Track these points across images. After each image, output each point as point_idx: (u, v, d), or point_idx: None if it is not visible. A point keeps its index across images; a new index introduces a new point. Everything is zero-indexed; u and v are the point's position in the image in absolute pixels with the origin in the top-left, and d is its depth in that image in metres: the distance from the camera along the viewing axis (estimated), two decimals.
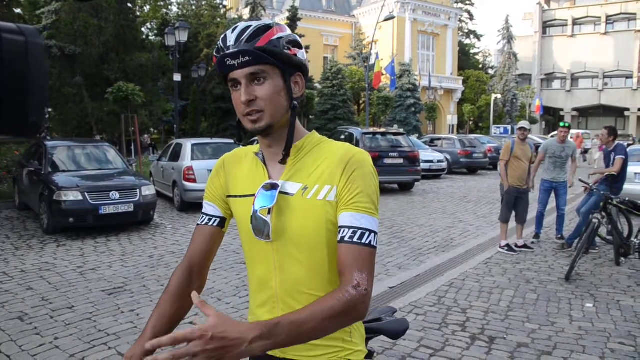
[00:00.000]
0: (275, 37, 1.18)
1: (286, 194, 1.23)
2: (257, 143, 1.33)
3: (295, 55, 1.21)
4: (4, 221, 8.97)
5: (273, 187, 1.24)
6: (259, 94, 1.18)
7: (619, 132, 7.11)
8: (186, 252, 1.37)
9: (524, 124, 6.88)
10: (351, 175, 1.19)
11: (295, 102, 1.24)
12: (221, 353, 0.91)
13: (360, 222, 1.16)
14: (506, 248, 6.73)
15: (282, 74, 1.20)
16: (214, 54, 1.23)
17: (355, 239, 1.15)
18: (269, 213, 1.22)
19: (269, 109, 1.18)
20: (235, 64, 1.16)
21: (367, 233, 1.16)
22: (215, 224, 1.36)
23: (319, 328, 1.04)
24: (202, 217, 1.38)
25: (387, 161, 12.70)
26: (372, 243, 1.16)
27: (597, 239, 6.69)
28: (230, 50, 1.16)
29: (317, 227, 1.20)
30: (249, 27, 1.18)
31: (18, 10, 24.48)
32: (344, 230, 1.16)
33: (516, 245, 6.84)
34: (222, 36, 1.20)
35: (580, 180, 6.78)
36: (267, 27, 1.19)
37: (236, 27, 1.20)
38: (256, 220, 1.24)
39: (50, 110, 22.18)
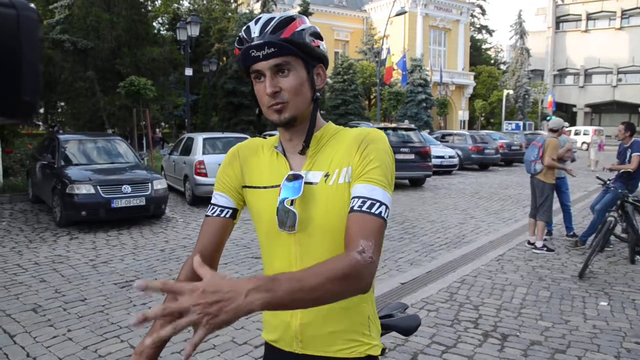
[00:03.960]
0: (299, 28, 1.18)
1: (310, 183, 1.22)
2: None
3: (318, 46, 1.21)
4: (18, 214, 9.07)
5: (296, 177, 1.22)
6: (284, 86, 1.17)
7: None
8: (196, 244, 1.34)
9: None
10: (365, 150, 1.18)
11: (318, 94, 1.24)
12: (216, 308, 0.83)
13: (371, 193, 1.12)
14: (545, 249, 6.50)
15: (306, 65, 1.20)
16: (236, 45, 1.21)
17: (364, 208, 1.10)
18: (291, 204, 1.21)
19: (293, 100, 1.18)
20: (260, 55, 1.15)
21: (378, 204, 1.11)
22: (227, 216, 1.31)
23: (320, 288, 0.95)
24: (213, 208, 1.32)
25: (398, 156, 12.60)
26: (382, 214, 1.10)
27: (611, 237, 6.60)
28: (255, 42, 1.16)
29: (340, 212, 1.17)
30: (272, 18, 1.18)
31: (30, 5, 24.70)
32: (354, 201, 1.12)
33: (528, 242, 6.76)
34: (245, 28, 1.19)
35: (597, 178, 6.70)
36: (291, 19, 1.18)
37: (259, 19, 1.19)
38: (282, 212, 1.22)
39: (62, 104, 22.39)
